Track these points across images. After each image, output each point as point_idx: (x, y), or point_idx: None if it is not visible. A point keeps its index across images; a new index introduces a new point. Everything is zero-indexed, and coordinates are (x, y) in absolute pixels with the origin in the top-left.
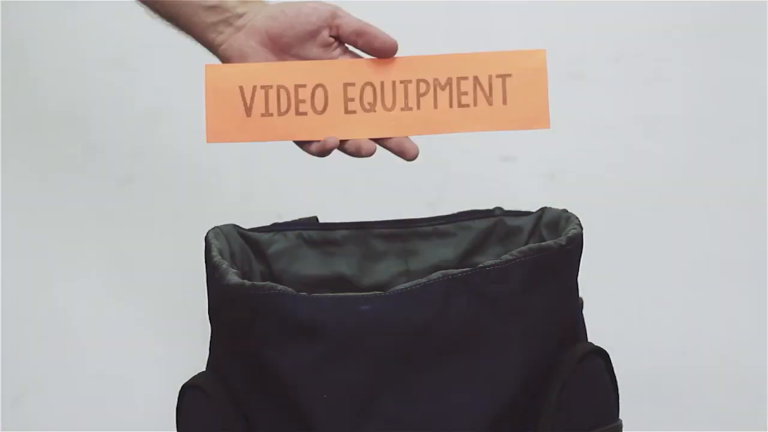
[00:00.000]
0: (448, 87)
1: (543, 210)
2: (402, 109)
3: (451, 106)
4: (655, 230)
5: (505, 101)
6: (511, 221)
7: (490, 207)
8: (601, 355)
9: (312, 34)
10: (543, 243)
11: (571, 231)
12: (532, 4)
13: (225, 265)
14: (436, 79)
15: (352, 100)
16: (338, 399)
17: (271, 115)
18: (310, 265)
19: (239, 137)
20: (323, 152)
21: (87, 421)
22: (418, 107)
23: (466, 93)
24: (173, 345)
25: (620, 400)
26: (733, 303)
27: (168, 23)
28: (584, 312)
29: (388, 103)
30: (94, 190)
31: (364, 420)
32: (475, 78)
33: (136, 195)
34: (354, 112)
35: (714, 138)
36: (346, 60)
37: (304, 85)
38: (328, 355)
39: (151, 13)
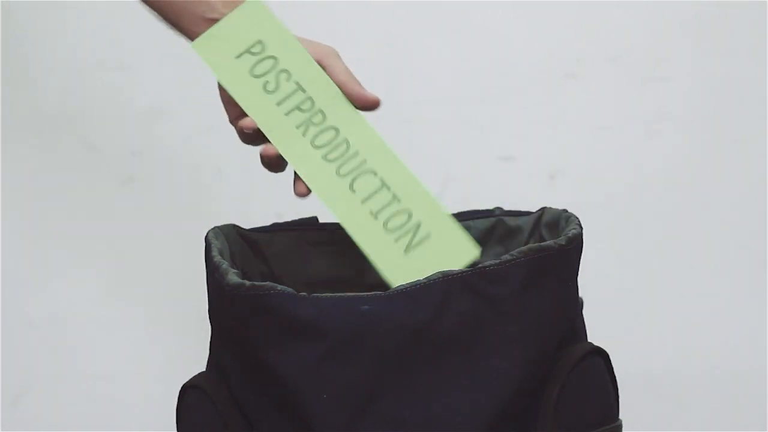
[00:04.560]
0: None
1: (543, 210)
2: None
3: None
4: (654, 230)
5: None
6: (511, 221)
7: (490, 207)
8: (601, 355)
9: None
10: (543, 243)
11: (571, 231)
12: (529, 3)
13: (225, 265)
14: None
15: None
16: (338, 399)
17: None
18: (310, 265)
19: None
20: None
21: (87, 421)
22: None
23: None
24: (173, 345)
25: (620, 400)
26: (732, 303)
27: (170, 27)
28: (584, 312)
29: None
30: (94, 190)
31: (363, 420)
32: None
33: (136, 195)
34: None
35: (714, 137)
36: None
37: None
38: (327, 356)
39: (155, 14)
